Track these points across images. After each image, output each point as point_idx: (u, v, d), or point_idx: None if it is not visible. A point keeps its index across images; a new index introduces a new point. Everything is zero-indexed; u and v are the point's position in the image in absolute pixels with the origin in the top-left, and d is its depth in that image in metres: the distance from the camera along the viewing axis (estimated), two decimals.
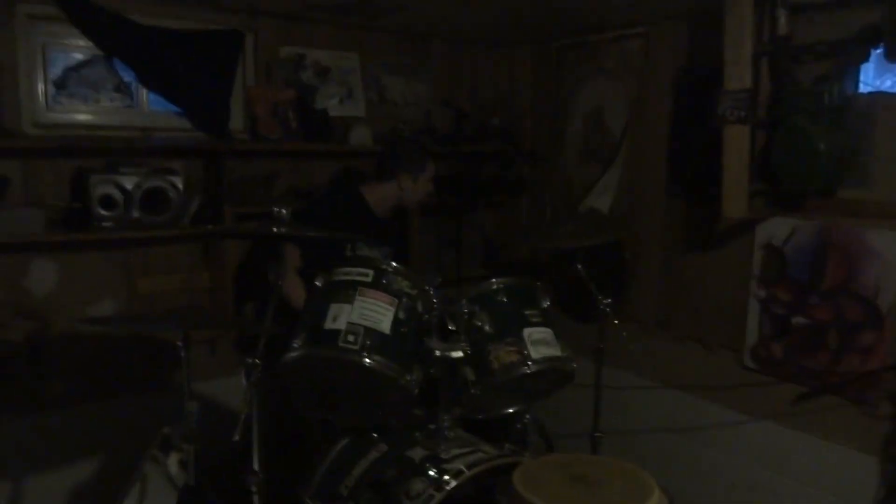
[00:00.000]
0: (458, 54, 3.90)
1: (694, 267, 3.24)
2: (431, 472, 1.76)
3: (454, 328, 1.92)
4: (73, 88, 2.92)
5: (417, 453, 1.91)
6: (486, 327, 1.98)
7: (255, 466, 1.70)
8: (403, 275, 1.95)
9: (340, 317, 1.83)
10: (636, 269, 3.47)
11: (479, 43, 3.95)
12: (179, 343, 1.98)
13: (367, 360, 1.77)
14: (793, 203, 2.82)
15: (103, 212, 2.75)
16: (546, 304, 2.13)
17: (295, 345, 1.81)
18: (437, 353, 1.82)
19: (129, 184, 2.79)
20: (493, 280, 2.09)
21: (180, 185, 2.91)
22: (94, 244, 2.93)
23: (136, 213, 2.82)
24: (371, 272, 1.92)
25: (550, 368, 2.00)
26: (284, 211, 1.85)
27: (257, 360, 1.67)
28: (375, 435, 2.05)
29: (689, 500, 3.19)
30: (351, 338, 1.79)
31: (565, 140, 3.79)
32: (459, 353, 1.84)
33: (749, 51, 2.59)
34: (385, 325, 1.85)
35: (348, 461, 2.00)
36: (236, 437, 1.56)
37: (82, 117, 2.96)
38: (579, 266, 2.39)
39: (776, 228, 2.90)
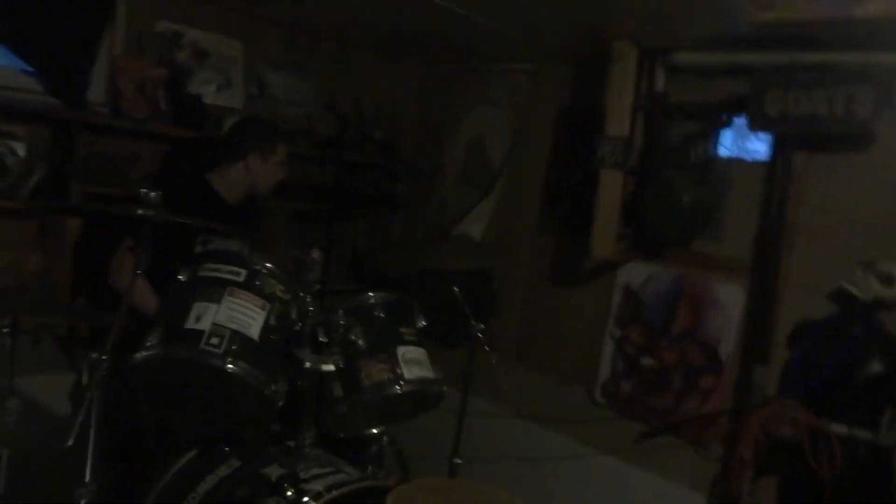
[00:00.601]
0: (345, 59, 3.80)
1: (556, 302, 3.34)
2: (289, 493, 1.63)
3: (326, 340, 1.81)
4: None
5: (274, 471, 1.76)
6: (360, 342, 1.89)
7: (88, 477, 1.48)
8: (278, 278, 1.82)
9: (205, 316, 1.67)
10: (501, 298, 3.52)
11: (368, 51, 3.88)
12: (5, 330, 1.72)
13: (231, 365, 1.62)
14: (653, 250, 2.99)
15: None
16: (422, 323, 2.07)
17: (150, 343, 1.62)
18: (308, 364, 1.70)
19: None
20: (371, 294, 2.01)
21: (21, 153, 2.57)
22: None
23: None
24: (244, 271, 1.77)
25: (421, 390, 1.94)
26: (153, 194, 1.66)
27: (104, 357, 1.47)
28: (227, 449, 1.88)
29: None
30: (215, 340, 1.63)
31: (445, 162, 3.80)
32: (331, 367, 1.73)
33: (630, 101, 2.74)
34: (254, 330, 1.70)
35: (193, 475, 1.81)
36: (70, 442, 1.36)
37: None
38: (455, 289, 2.36)
39: (636, 272, 3.06)
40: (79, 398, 2.84)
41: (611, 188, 2.74)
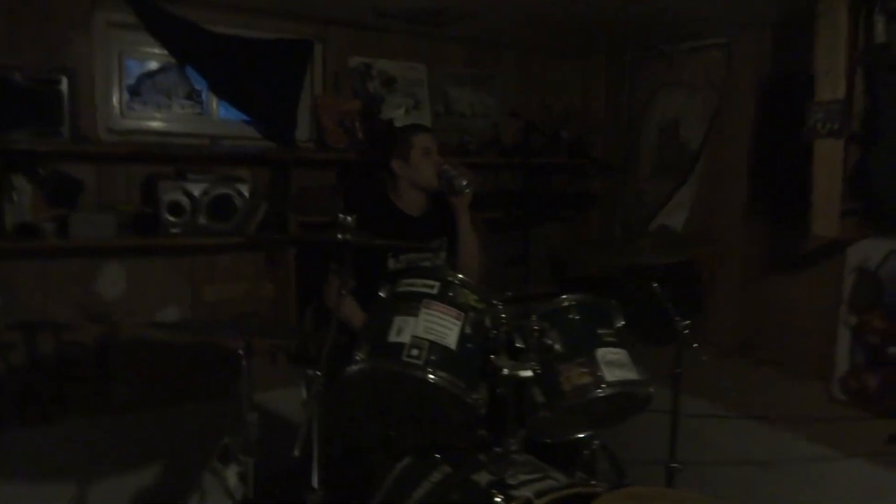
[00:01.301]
0: (528, 64, 3.81)
1: (778, 289, 3.04)
2: (498, 499, 1.65)
3: (523, 346, 1.81)
4: (146, 95, 2.96)
5: (483, 478, 1.80)
6: (557, 346, 1.86)
7: (314, 483, 1.62)
8: (470, 288, 1.85)
9: (405, 330, 1.74)
10: (713, 290, 3.29)
11: (550, 53, 3.85)
12: (241, 352, 1.94)
13: (432, 375, 1.67)
14: (889, 224, 2.61)
15: (171, 218, 2.77)
16: (620, 323, 1.99)
17: (357, 357, 1.73)
18: (505, 371, 1.71)
19: (196, 190, 2.81)
20: (565, 296, 1.97)
21: (246, 193, 2.91)
22: (161, 250, 2.96)
23: (202, 220, 2.83)
24: (436, 284, 1.83)
25: (625, 392, 1.86)
26: (350, 218, 1.79)
27: (318, 372, 1.60)
28: (438, 456, 1.96)
29: None
30: (415, 352, 1.70)
31: (639, 153, 3.65)
32: (528, 373, 1.72)
33: (843, 60, 2.42)
34: (451, 340, 1.75)
35: (410, 482, 1.91)
36: (296, 452, 1.49)
37: (155, 124, 3.00)
38: (655, 284, 2.25)
39: (870, 250, 2.69)
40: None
41: (828, 159, 2.45)
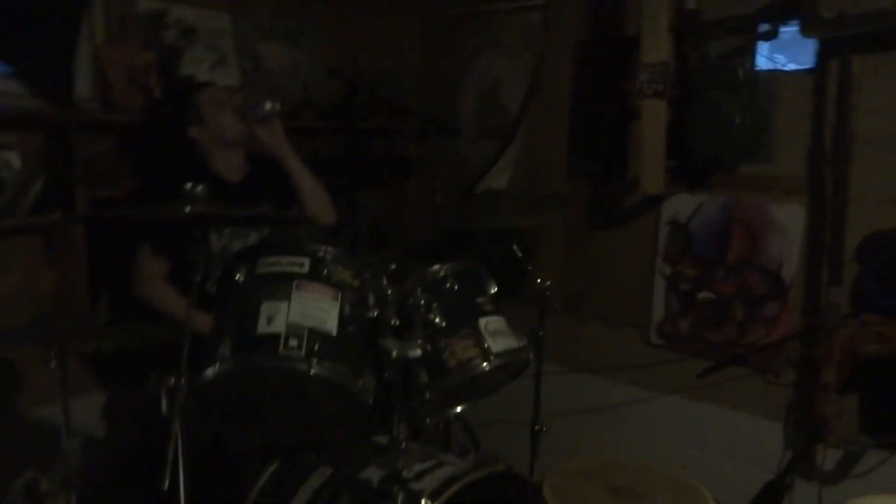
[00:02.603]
0: (340, 19, 3.55)
1: (598, 246, 3.19)
2: (400, 497, 1.49)
3: (407, 323, 1.65)
4: None
5: (373, 474, 1.62)
6: (437, 319, 1.73)
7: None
8: (344, 262, 1.64)
9: (277, 317, 1.49)
10: (537, 248, 3.36)
11: (364, 7, 3.62)
12: (53, 361, 1.54)
13: (317, 368, 1.45)
14: (697, 179, 2.83)
15: None
16: (494, 289, 1.91)
17: (222, 354, 1.44)
18: (394, 353, 1.54)
19: None
20: (439, 266, 1.83)
21: (17, 163, 2.35)
22: None
23: None
24: (307, 261, 1.59)
25: (511, 361, 1.79)
26: (200, 187, 1.47)
27: (182, 379, 1.29)
28: (313, 455, 1.73)
29: None
30: (294, 342, 1.46)
31: (458, 116, 3.60)
32: (418, 352, 1.57)
33: (666, 23, 2.54)
34: (331, 325, 1.53)
35: (284, 490, 1.66)
36: (165, 486, 1.19)
37: None
38: (515, 246, 2.20)
39: (682, 204, 2.90)
40: (128, 421, 2.66)
41: (654, 119, 2.57)
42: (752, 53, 2.58)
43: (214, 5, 3.04)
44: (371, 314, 1.62)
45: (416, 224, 3.86)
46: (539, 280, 2.19)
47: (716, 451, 2.90)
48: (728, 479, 2.76)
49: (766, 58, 2.67)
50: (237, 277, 1.59)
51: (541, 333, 2.21)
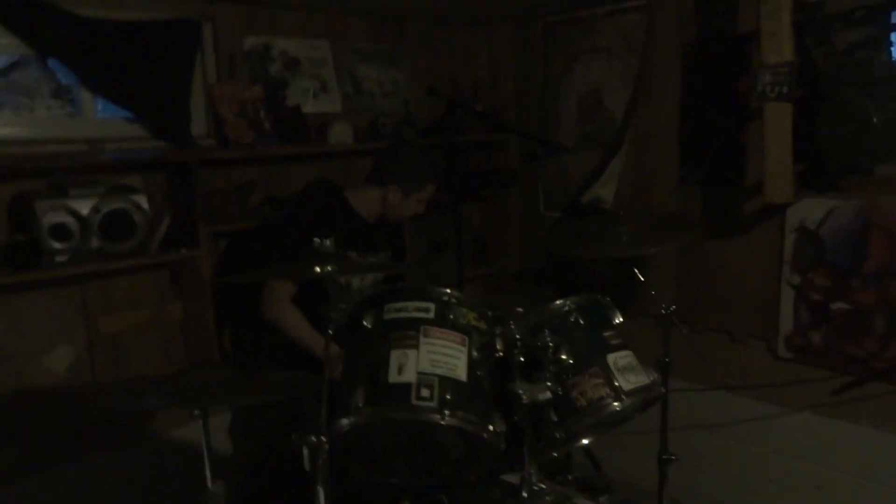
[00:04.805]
0: (435, 36, 3.54)
1: (716, 255, 3.03)
2: None
3: (536, 365, 1.60)
4: (0, 97, 2.40)
5: None
6: (565, 358, 1.67)
7: None
8: (468, 305, 1.62)
9: (407, 366, 1.48)
10: (650, 260, 3.23)
11: (458, 22, 3.59)
12: (196, 412, 1.59)
13: (450, 418, 1.43)
14: (826, 183, 2.64)
15: (56, 244, 2.28)
16: (619, 319, 1.84)
17: (355, 404, 1.45)
18: (525, 398, 1.50)
19: (84, 208, 2.33)
20: (563, 301, 1.78)
21: (146, 205, 2.46)
22: (46, 282, 2.44)
23: (95, 242, 2.36)
24: (433, 306, 1.58)
25: (643, 399, 1.72)
26: (328, 242, 1.48)
27: (323, 438, 1.30)
28: (443, 496, 1.72)
29: (726, 496, 3.02)
30: (426, 392, 1.44)
31: (558, 126, 3.51)
32: (548, 395, 1.53)
33: (789, 20, 2.37)
34: (461, 371, 1.51)
35: None
36: None
37: (15, 131, 2.45)
38: (636, 270, 2.11)
39: (809, 210, 2.71)
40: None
41: (779, 124, 2.40)
42: (883, 45, 2.37)
43: (314, 34, 3.10)
44: (498, 356, 1.59)
45: (519, 238, 3.81)
46: (662, 304, 2.08)
47: (852, 472, 2.71)
48: (865, 501, 2.58)
49: None
50: (365, 324, 1.59)
51: (667, 360, 2.11)
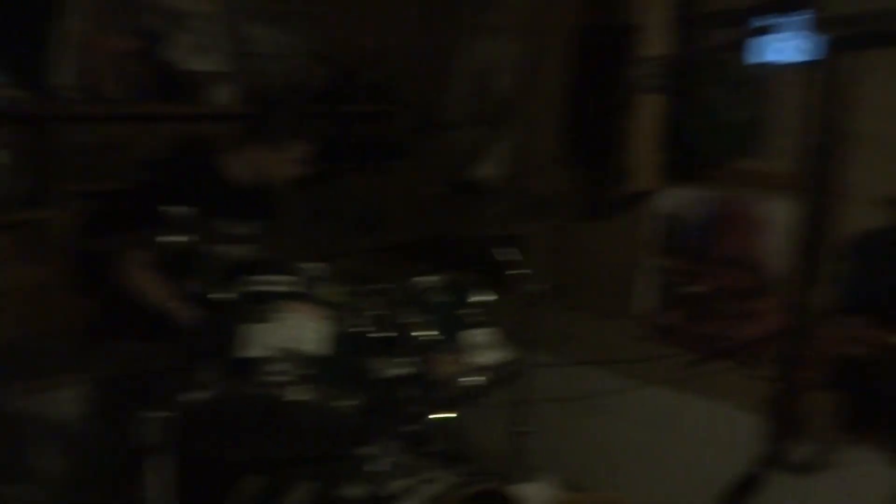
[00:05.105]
0: (330, 1, 3.45)
1: (588, 237, 3.17)
2: None
3: (391, 339, 1.64)
4: None
5: (358, 490, 1.63)
6: (426, 334, 1.72)
7: None
8: (331, 280, 1.63)
9: (260, 340, 1.48)
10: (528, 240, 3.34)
11: None
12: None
13: (302, 392, 1.45)
14: (689, 173, 2.81)
15: None
16: (484, 297, 1.90)
17: (202, 381, 1.44)
18: (381, 372, 1.54)
19: None
20: (426, 278, 1.82)
21: (5, 159, 2.29)
22: None
23: None
24: (293, 279, 1.58)
25: (500, 375, 1.79)
26: (189, 209, 1.44)
27: (172, 413, 1.28)
28: (296, 470, 1.73)
29: (585, 465, 3.21)
30: (279, 367, 1.45)
31: (448, 101, 3.53)
32: (406, 370, 1.57)
33: (666, 15, 2.48)
34: (317, 346, 1.53)
35: None
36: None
37: None
38: (499, 249, 2.18)
39: (673, 199, 2.88)
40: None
41: (650, 115, 2.53)
42: (749, 48, 2.52)
43: None
44: (358, 331, 1.61)
45: (403, 212, 3.83)
46: (530, 283, 2.17)
47: (696, 441, 2.94)
48: (706, 468, 2.81)
49: (765, 51, 2.61)
50: (224, 295, 1.57)
51: (533, 337, 2.20)
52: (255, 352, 1.46)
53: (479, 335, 1.78)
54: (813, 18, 2.20)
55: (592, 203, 3.12)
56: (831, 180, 2.50)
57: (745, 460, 2.73)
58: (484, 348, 1.76)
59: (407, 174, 3.76)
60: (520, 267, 2.16)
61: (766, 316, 2.72)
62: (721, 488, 2.75)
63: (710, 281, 2.85)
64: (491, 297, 1.88)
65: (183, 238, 1.47)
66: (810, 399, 2.57)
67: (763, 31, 2.49)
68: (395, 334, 1.64)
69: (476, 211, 2.28)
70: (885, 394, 2.38)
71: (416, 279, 1.81)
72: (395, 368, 1.54)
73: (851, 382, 2.51)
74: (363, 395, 1.58)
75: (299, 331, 1.51)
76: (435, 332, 1.73)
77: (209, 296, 1.57)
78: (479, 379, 1.72)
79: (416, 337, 1.68)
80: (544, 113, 3.21)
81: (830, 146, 2.47)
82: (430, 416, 1.86)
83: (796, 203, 2.59)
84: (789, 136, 2.57)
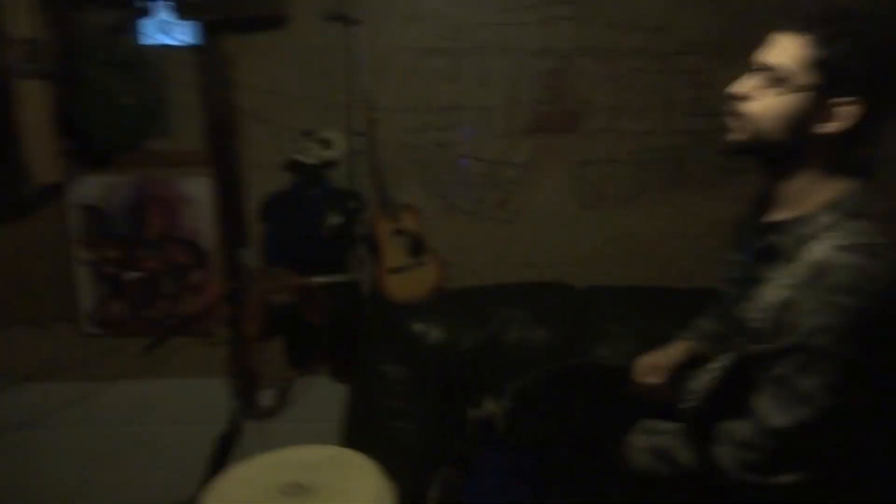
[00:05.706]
0: None
1: (5, 241, 2.82)
2: None
3: None
4: None
5: None
6: None
7: None
8: None
9: None
10: None
11: None
12: None
13: None
14: (102, 159, 2.74)
15: None
16: None
17: None
18: None
19: None
20: None
21: None
22: None
23: None
24: None
25: None
26: None
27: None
28: None
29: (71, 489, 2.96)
30: None
31: None
32: None
33: None
34: None
35: None
36: None
37: None
38: None
39: (91, 187, 2.78)
40: None
41: (35, 102, 2.35)
42: (130, 30, 2.55)
43: None
44: None
45: None
46: None
47: (173, 421, 2.99)
48: (188, 443, 2.89)
49: (151, 34, 2.67)
50: None
51: None
52: None
53: None
54: (177, 4, 2.34)
55: (3, 203, 2.78)
56: (233, 153, 2.76)
57: (223, 423, 2.89)
58: None
59: None
60: None
61: (206, 286, 2.89)
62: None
63: (146, 264, 2.87)
64: None
65: None
66: (259, 350, 2.86)
67: (143, 13, 2.55)
68: None
69: None
70: (314, 328, 2.80)
71: None
72: None
73: (288, 326, 2.88)
74: None
75: None
76: None
77: None
78: None
79: None
80: None
81: (227, 123, 2.71)
82: None
83: (209, 177, 2.79)
84: (191, 116, 2.73)
